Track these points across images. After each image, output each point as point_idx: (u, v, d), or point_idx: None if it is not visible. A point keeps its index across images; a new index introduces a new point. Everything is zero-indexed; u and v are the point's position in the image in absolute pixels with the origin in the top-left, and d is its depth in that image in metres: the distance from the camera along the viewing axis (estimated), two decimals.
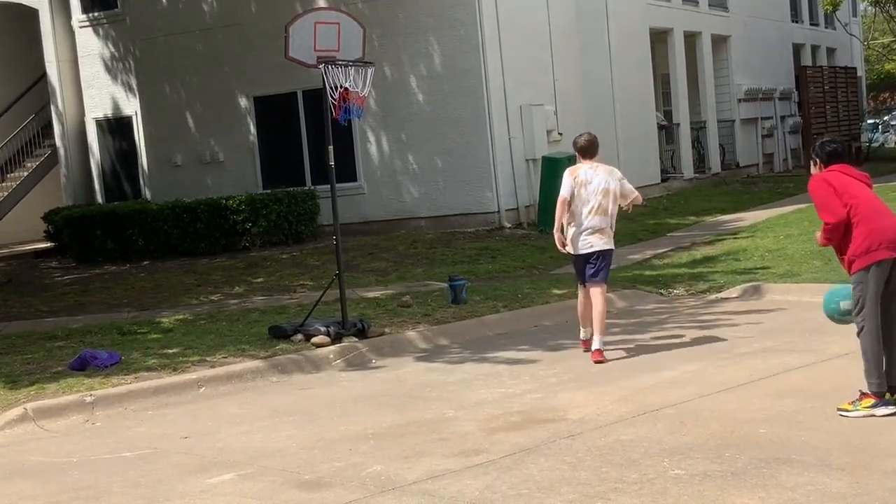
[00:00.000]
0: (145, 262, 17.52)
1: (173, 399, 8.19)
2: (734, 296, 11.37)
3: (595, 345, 8.52)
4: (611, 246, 8.76)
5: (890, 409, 6.19)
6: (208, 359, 9.16)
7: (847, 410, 6.26)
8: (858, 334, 6.34)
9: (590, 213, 8.59)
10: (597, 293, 8.64)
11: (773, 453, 5.61)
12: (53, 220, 19.96)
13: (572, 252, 8.74)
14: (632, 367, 8.20)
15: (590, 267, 8.65)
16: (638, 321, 10.40)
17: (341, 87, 9.59)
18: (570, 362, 8.58)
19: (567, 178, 8.70)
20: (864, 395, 6.29)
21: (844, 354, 7.80)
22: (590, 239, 8.62)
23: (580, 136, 9.09)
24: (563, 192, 8.71)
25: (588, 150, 8.91)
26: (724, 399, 6.88)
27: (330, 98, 9.65)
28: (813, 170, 6.67)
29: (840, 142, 6.83)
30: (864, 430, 5.93)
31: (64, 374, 8.81)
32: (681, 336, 9.35)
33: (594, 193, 8.63)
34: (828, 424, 6.09)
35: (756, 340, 8.83)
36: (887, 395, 6.26)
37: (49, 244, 20.37)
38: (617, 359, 8.54)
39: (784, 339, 8.78)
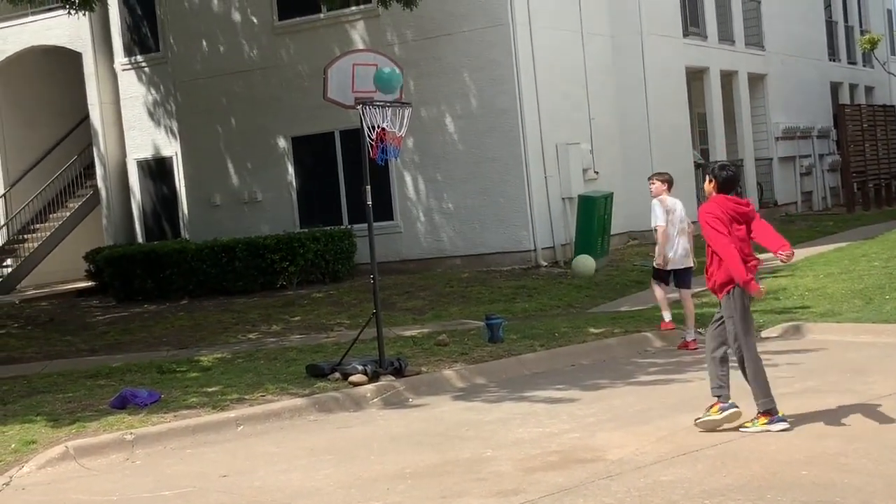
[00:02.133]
0: (184, 301, 17.67)
1: (212, 437, 8.23)
2: (774, 335, 11.25)
3: (689, 336, 10.73)
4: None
5: (783, 425, 6.92)
6: (246, 397, 9.19)
7: (747, 427, 7.01)
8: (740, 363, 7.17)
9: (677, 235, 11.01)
10: (687, 296, 10.98)
11: (815, 496, 5.53)
12: (95, 259, 20.23)
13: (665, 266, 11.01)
14: (671, 407, 8.13)
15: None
16: (677, 360, 10.32)
17: (379, 127, 9.68)
18: (608, 402, 8.53)
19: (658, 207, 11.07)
20: (761, 413, 7.03)
21: (888, 395, 7.70)
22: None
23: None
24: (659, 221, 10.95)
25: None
26: (764, 440, 6.80)
27: (367, 138, 9.74)
28: (707, 186, 7.31)
29: (734, 169, 7.43)
30: None
31: (104, 412, 8.87)
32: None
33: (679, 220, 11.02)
34: (871, 467, 6.00)
35: (797, 380, 8.72)
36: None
37: (90, 283, 20.63)
38: (655, 398, 8.47)
39: (826, 380, 8.68)
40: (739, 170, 7.58)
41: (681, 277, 11.00)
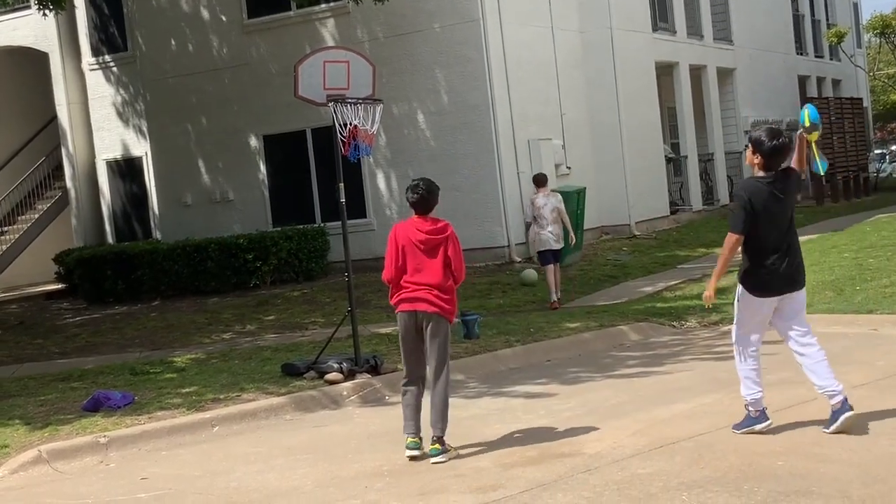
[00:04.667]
0: (156, 302, 17.55)
1: (187, 439, 8.17)
2: None
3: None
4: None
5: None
6: (222, 397, 9.14)
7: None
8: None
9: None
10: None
11: (792, 486, 5.56)
12: (64, 261, 20.04)
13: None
14: (648, 400, 8.16)
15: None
16: (652, 353, 10.36)
17: (351, 124, 9.64)
18: (585, 396, 8.55)
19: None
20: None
21: (861, 385, 7.76)
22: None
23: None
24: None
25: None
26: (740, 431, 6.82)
27: (339, 136, 9.70)
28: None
29: (420, 189, 7.12)
30: (884, 462, 5.88)
31: (77, 415, 8.79)
32: (695, 368, 9.32)
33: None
34: (846, 456, 6.05)
35: (771, 372, 8.75)
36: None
37: (60, 285, 20.44)
38: (632, 391, 8.50)
39: (799, 371, 8.71)
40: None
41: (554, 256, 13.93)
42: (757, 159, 6.61)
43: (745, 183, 6.82)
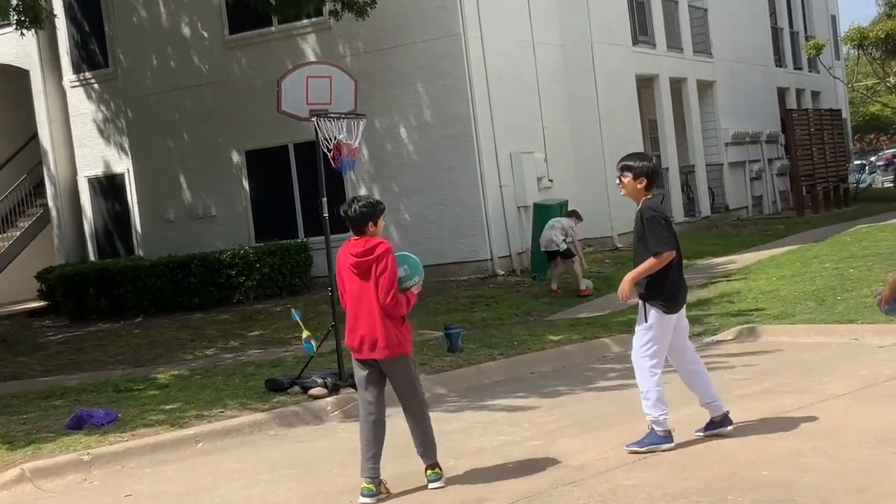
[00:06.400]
0: (139, 319, 17.49)
1: (171, 455, 8.14)
2: (730, 338, 11.38)
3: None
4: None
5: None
6: (205, 414, 9.11)
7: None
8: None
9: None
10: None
11: (776, 495, 5.59)
12: (46, 278, 19.96)
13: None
14: (631, 411, 8.16)
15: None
16: None
17: (335, 139, 9.67)
18: (568, 408, 8.57)
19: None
20: None
21: (843, 394, 7.81)
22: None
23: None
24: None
25: None
26: (724, 442, 6.86)
27: (324, 150, 9.72)
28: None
29: (352, 206, 6.58)
30: (867, 471, 5.92)
31: (60, 433, 8.75)
32: (677, 379, 9.30)
33: None
34: (829, 465, 6.08)
35: (754, 382, 8.83)
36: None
37: (42, 303, 20.34)
38: (615, 403, 8.53)
39: (781, 380, 8.79)
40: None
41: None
42: (641, 183, 6.86)
43: (652, 203, 6.96)
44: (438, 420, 8.62)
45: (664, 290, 6.75)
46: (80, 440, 8.41)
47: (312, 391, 9.50)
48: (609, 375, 10.01)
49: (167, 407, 9.55)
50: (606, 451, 6.92)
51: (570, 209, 17.24)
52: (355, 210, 6.50)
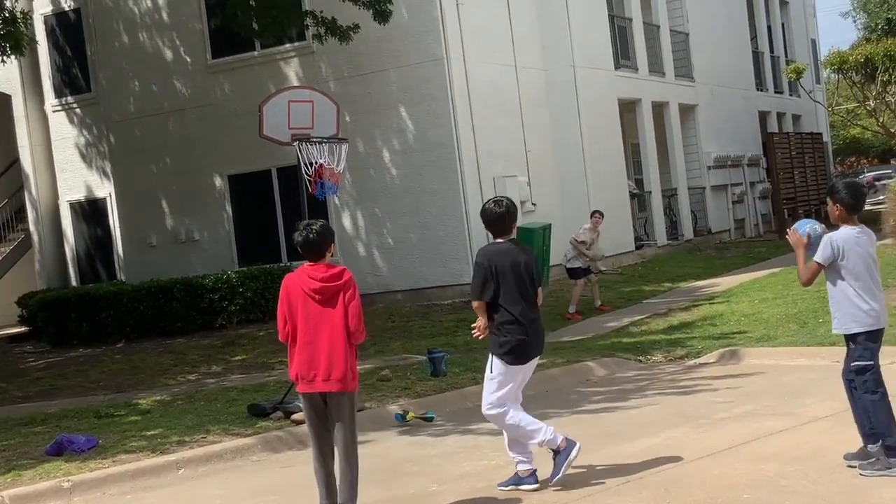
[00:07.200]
0: (120, 344, 17.38)
1: (152, 482, 8.07)
2: (712, 361, 11.40)
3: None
4: None
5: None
6: (187, 439, 9.05)
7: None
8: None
9: None
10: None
11: None
12: (28, 304, 19.82)
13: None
14: (614, 434, 8.18)
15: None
16: (618, 388, 10.39)
17: (316, 163, 9.68)
18: None
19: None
20: None
21: (825, 417, 7.83)
22: None
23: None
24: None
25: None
26: (707, 465, 6.86)
27: (305, 175, 9.73)
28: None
29: (311, 230, 6.22)
30: (848, 493, 5.93)
31: (41, 459, 8.66)
32: (661, 402, 9.35)
33: None
34: (811, 488, 6.09)
35: (736, 405, 8.84)
36: None
37: (24, 328, 20.19)
38: (599, 426, 8.52)
39: (764, 403, 8.80)
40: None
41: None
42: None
43: (488, 250, 7.09)
44: (422, 444, 8.61)
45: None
46: (61, 467, 8.33)
47: (295, 416, 9.44)
48: (593, 399, 10.01)
49: (149, 433, 9.48)
50: (591, 474, 6.91)
51: (592, 210, 17.30)
52: (315, 234, 6.20)
